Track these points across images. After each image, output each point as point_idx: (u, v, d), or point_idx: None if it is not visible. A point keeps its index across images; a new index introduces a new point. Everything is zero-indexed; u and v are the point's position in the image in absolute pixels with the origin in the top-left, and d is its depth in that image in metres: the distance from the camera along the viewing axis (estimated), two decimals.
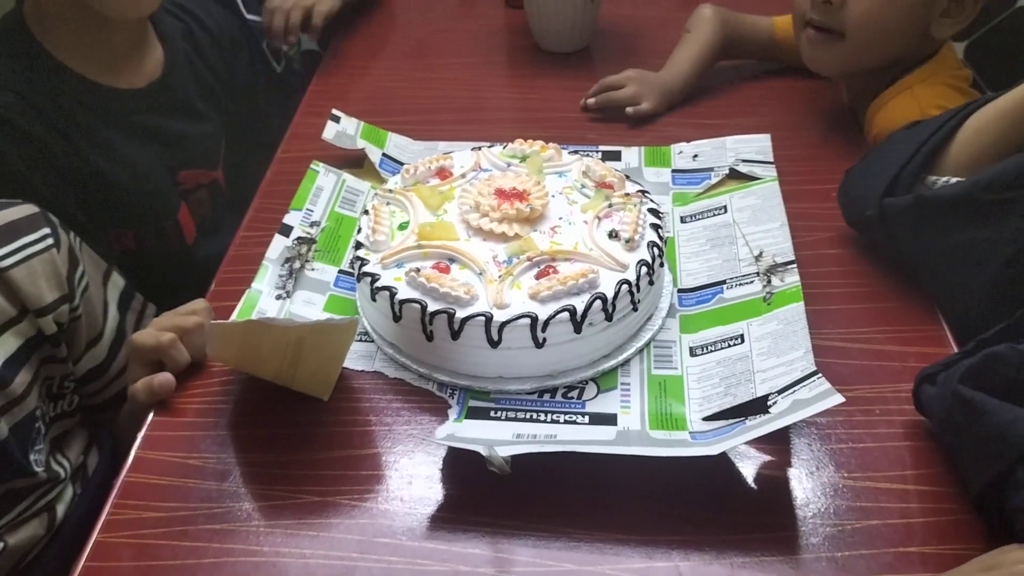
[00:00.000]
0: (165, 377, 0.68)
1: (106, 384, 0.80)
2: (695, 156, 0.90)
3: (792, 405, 0.59)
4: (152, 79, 0.93)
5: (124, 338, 0.80)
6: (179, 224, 0.96)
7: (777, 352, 0.66)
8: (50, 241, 0.72)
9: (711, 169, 0.88)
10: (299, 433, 0.66)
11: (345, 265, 0.79)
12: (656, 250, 0.70)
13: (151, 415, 0.67)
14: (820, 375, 0.61)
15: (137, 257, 0.90)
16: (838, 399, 0.57)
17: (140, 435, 0.66)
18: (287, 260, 0.78)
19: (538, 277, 0.67)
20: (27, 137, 0.83)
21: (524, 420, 0.65)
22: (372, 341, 0.72)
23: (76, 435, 0.79)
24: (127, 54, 0.91)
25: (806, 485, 0.61)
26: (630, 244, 0.70)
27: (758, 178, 0.85)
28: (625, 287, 0.67)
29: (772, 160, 0.87)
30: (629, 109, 0.98)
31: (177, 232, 0.96)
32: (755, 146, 0.89)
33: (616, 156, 0.92)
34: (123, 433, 0.81)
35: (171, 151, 0.94)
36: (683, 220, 0.83)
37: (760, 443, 0.63)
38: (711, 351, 0.69)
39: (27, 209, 0.73)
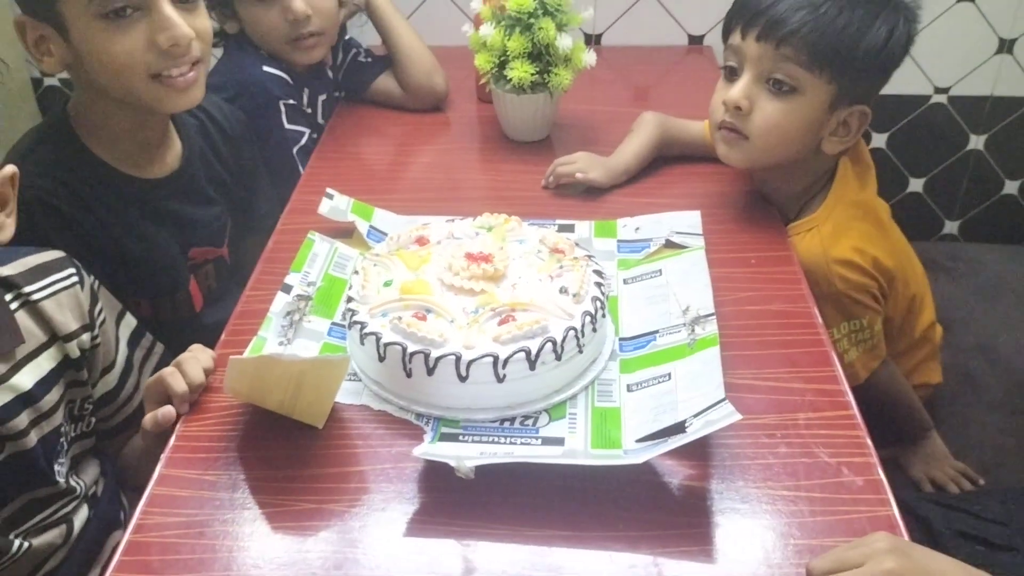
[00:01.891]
0: (167, 410, 0.81)
1: (116, 410, 0.93)
2: (637, 228, 1.06)
3: (704, 425, 0.73)
4: (172, 170, 1.07)
5: (132, 369, 0.94)
6: (189, 294, 1.10)
7: (696, 386, 0.80)
8: (75, 279, 0.86)
9: (650, 240, 1.04)
10: (297, 454, 0.78)
11: (337, 318, 0.92)
12: (598, 303, 0.85)
13: (172, 440, 0.80)
14: (726, 401, 0.74)
15: (153, 323, 1.03)
16: (737, 417, 0.71)
17: (164, 456, 0.78)
18: (288, 313, 0.91)
19: (500, 324, 0.81)
20: (65, 218, 0.96)
21: (487, 443, 0.78)
22: (360, 380, 0.85)
23: (91, 459, 0.91)
24: (152, 149, 1.05)
25: (719, 492, 0.74)
26: (576, 298, 0.84)
27: (688, 247, 1.00)
28: (572, 332, 0.81)
29: (701, 232, 1.03)
30: (580, 175, 1.14)
31: (187, 302, 1.09)
32: (687, 220, 1.05)
33: (571, 228, 1.07)
34: (130, 464, 0.94)
35: (184, 232, 1.08)
36: (625, 282, 0.98)
37: (684, 460, 0.76)
38: (644, 387, 0.83)
39: (56, 254, 0.87)
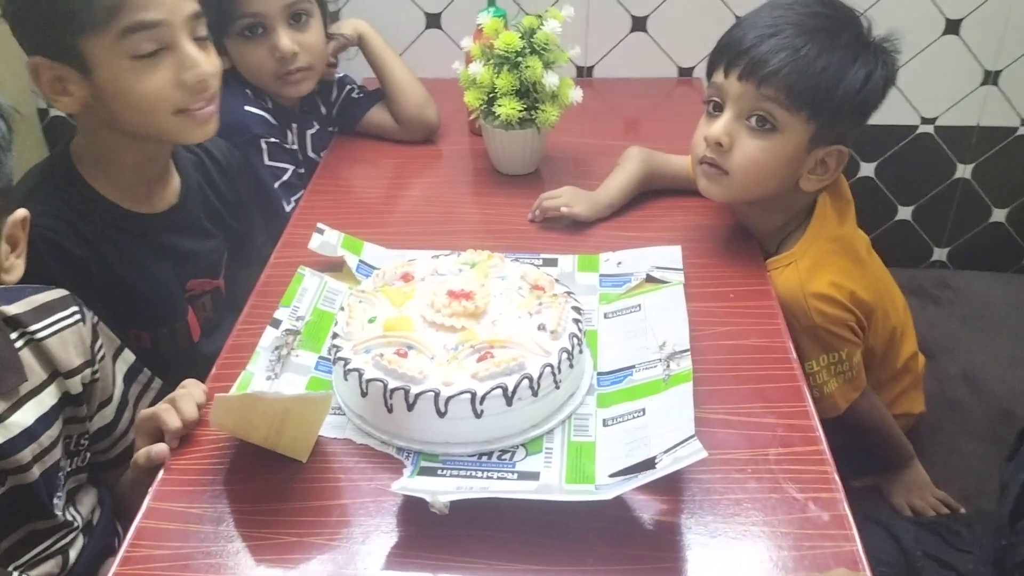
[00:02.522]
0: (160, 447, 0.84)
1: (113, 443, 0.95)
2: (619, 263, 1.09)
3: (672, 462, 0.75)
4: (170, 204, 1.10)
5: (128, 404, 0.96)
6: (187, 325, 1.13)
7: (668, 421, 0.82)
8: (77, 317, 0.89)
9: (631, 274, 1.06)
10: (281, 488, 0.81)
11: (324, 352, 0.95)
12: (575, 340, 0.87)
13: (161, 473, 0.82)
14: (695, 437, 0.77)
15: (153, 354, 1.06)
16: (703, 455, 0.73)
17: (152, 489, 0.81)
18: (276, 348, 0.94)
19: (478, 361, 0.84)
20: (70, 256, 0.99)
21: (465, 477, 0.81)
22: (344, 414, 0.88)
23: (87, 492, 0.93)
24: (153, 184, 1.09)
25: (688, 527, 0.76)
26: (554, 335, 0.87)
27: (668, 282, 1.03)
28: (548, 369, 0.83)
29: (681, 267, 1.06)
30: (564, 209, 1.17)
31: (185, 332, 1.13)
32: (668, 255, 1.08)
33: (554, 262, 1.10)
34: (124, 494, 0.97)
35: (182, 264, 1.11)
36: (606, 316, 1.01)
37: (656, 495, 0.78)
38: (619, 422, 0.86)
39: (60, 292, 0.90)
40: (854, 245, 1.14)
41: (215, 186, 1.19)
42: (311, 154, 1.43)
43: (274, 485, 0.81)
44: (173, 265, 1.10)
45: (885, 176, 1.80)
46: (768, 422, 0.87)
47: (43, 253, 0.96)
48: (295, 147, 1.39)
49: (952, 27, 1.64)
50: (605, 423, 0.86)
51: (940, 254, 1.89)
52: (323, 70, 1.39)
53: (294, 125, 1.39)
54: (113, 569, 0.73)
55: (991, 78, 1.69)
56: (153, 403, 0.95)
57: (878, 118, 1.69)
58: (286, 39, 1.28)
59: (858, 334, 1.11)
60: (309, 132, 1.43)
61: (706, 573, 0.72)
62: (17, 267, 0.82)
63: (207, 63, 0.99)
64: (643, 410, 0.85)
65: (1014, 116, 1.72)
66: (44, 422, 0.84)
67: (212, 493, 0.80)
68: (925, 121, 1.74)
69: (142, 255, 1.07)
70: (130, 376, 0.98)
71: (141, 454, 0.84)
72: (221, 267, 1.18)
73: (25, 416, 0.82)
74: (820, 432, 0.85)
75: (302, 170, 1.38)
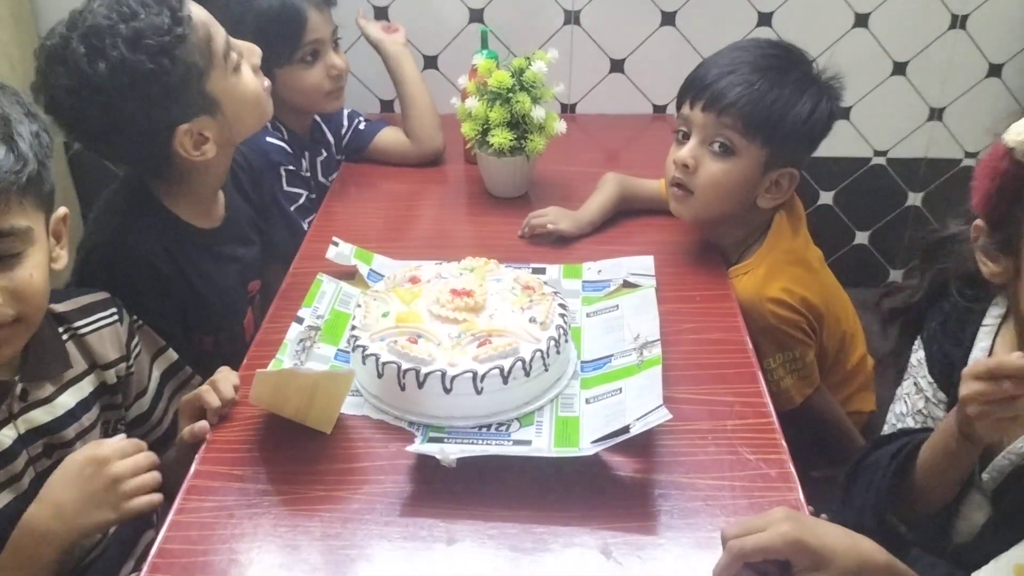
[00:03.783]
0: (202, 424, 0.96)
1: (149, 430, 1.08)
2: (599, 271, 1.24)
3: (643, 425, 0.89)
4: (222, 218, 1.25)
5: (162, 397, 1.09)
6: (243, 327, 1.27)
7: (641, 397, 0.96)
8: (116, 317, 1.03)
9: (610, 280, 1.21)
10: (309, 454, 0.94)
11: (342, 345, 1.09)
12: (561, 330, 1.02)
13: (203, 446, 0.95)
14: (663, 406, 0.91)
15: (214, 356, 1.19)
16: (668, 416, 0.88)
17: (198, 456, 0.94)
18: (301, 340, 1.08)
19: (479, 347, 0.98)
20: (160, 275, 1.12)
21: (467, 444, 0.94)
22: (362, 395, 1.01)
23: None
24: (209, 202, 1.23)
25: (659, 482, 0.90)
26: (543, 326, 1.01)
27: (642, 286, 1.18)
28: (539, 353, 0.98)
29: (653, 273, 1.21)
30: (551, 226, 1.33)
31: (242, 334, 1.26)
32: (642, 263, 1.23)
33: (543, 271, 1.25)
34: (167, 472, 1.09)
35: (241, 270, 1.26)
36: (588, 315, 1.15)
37: (632, 457, 0.92)
38: (600, 400, 0.99)
39: (102, 295, 1.04)
40: (806, 256, 1.30)
41: (246, 194, 1.34)
42: (321, 179, 1.58)
43: (303, 451, 0.94)
44: (236, 272, 1.25)
45: (843, 204, 1.97)
46: (726, 399, 1.01)
47: (134, 270, 1.10)
48: (308, 174, 1.54)
49: (899, 69, 1.83)
50: (588, 401, 1.00)
51: (896, 275, 2.05)
52: None
53: (307, 153, 1.55)
54: (170, 516, 0.86)
55: (936, 114, 1.87)
56: None
57: (835, 151, 1.89)
58: (339, 59, 1.48)
59: (810, 335, 1.26)
60: (319, 159, 1.58)
61: (673, 518, 0.86)
62: (62, 257, 0.94)
63: (252, 44, 1.19)
64: (620, 389, 0.99)
65: (958, 149, 1.90)
66: (84, 406, 0.97)
67: (250, 459, 0.93)
68: (877, 154, 1.91)
69: (211, 266, 1.21)
70: (169, 373, 1.11)
71: (186, 431, 0.97)
72: (261, 269, 1.33)
73: (68, 399, 0.96)
74: (771, 407, 1.00)
75: (314, 195, 1.53)
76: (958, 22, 1.78)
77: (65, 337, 0.98)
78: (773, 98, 1.17)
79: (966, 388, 0.80)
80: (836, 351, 1.36)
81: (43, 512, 0.86)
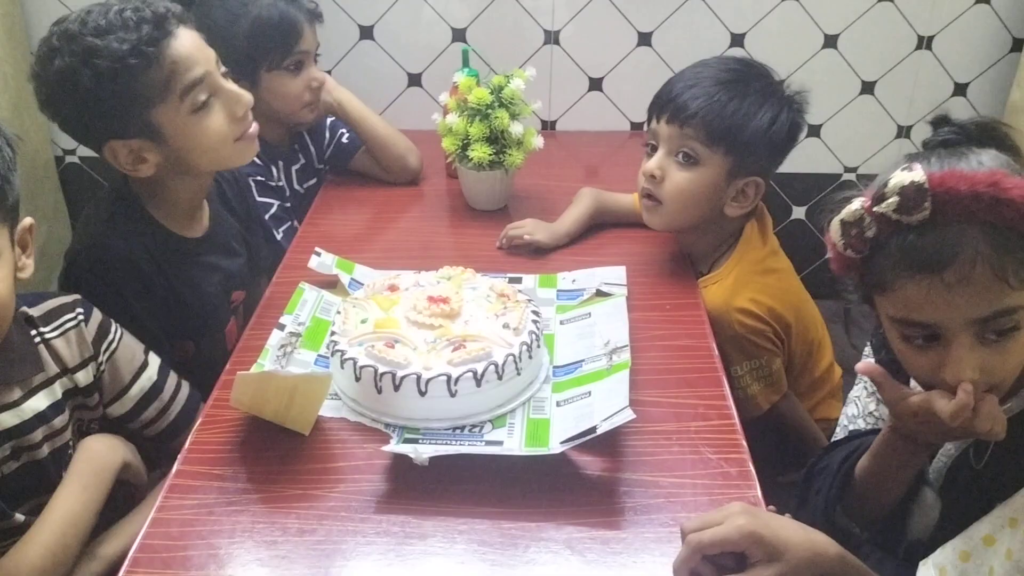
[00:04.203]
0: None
1: (138, 429, 1.09)
2: (573, 280, 1.28)
3: (609, 424, 0.93)
4: (205, 230, 1.28)
5: (149, 401, 1.10)
6: (225, 335, 1.30)
7: (608, 399, 1.00)
8: (81, 318, 1.03)
9: (584, 289, 1.25)
10: (288, 454, 0.97)
11: (322, 351, 1.12)
12: (533, 336, 1.06)
13: (188, 444, 0.98)
14: (628, 407, 0.94)
15: (196, 361, 1.22)
16: (631, 416, 0.91)
17: (180, 456, 0.97)
18: (282, 346, 1.11)
19: (453, 351, 1.02)
20: (141, 273, 1.16)
21: (441, 444, 0.98)
22: (340, 398, 1.05)
23: None
24: (194, 213, 1.27)
25: (625, 480, 0.94)
26: (516, 331, 1.05)
27: (613, 294, 1.22)
28: (511, 358, 1.01)
29: (625, 283, 1.25)
30: (527, 237, 1.37)
31: (223, 342, 1.29)
32: (615, 274, 1.27)
33: (519, 280, 1.29)
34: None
35: (224, 279, 1.29)
36: (562, 323, 1.19)
37: (601, 456, 0.96)
38: (570, 403, 1.03)
39: (71, 297, 1.05)
40: (775, 266, 1.34)
41: (231, 207, 1.37)
42: (296, 186, 1.63)
43: (282, 452, 0.97)
44: (219, 280, 1.28)
45: (815, 219, 2.01)
46: (691, 403, 1.05)
47: (119, 271, 1.14)
48: (281, 183, 1.58)
49: (868, 88, 1.89)
50: (558, 404, 1.04)
51: None
52: None
53: (280, 163, 1.59)
54: (151, 514, 0.89)
55: (904, 132, 1.93)
56: (186, 403, 1.12)
57: (806, 167, 1.94)
58: (318, 72, 1.54)
59: (777, 344, 1.31)
60: (294, 167, 1.63)
61: (636, 514, 0.90)
62: (28, 266, 0.96)
63: (244, 93, 1.19)
64: (589, 392, 1.03)
65: None
66: (55, 408, 0.99)
67: (230, 459, 0.97)
68: (848, 170, 1.97)
69: (194, 273, 1.24)
70: (162, 372, 1.12)
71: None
72: (246, 279, 1.36)
73: (38, 403, 0.97)
74: (734, 410, 1.04)
75: (288, 204, 1.57)
76: (924, 43, 1.84)
77: (37, 341, 0.99)
78: (733, 108, 1.22)
79: (899, 420, 0.86)
80: (804, 359, 1.40)
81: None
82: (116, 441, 1.04)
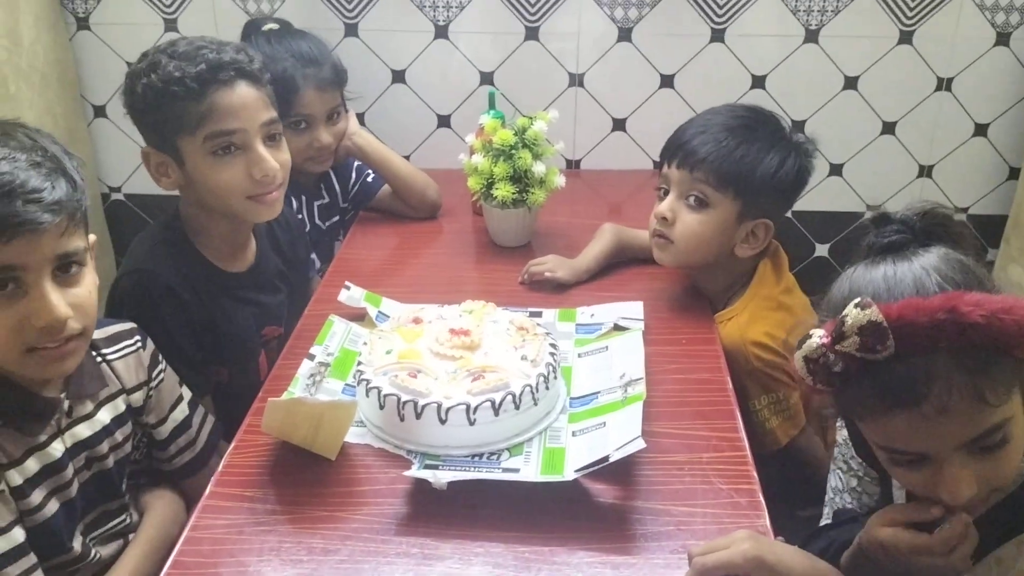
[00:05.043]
0: None
1: (165, 459, 1.16)
2: (592, 315, 1.32)
3: (621, 453, 0.96)
4: (249, 266, 1.36)
5: (187, 429, 1.16)
6: (258, 365, 1.36)
7: (622, 429, 1.03)
8: (139, 344, 1.12)
9: (602, 323, 1.29)
10: (315, 478, 1.02)
11: (349, 380, 1.17)
12: (551, 367, 1.10)
13: (220, 467, 1.04)
14: (639, 437, 0.98)
15: (228, 387, 1.29)
16: (642, 445, 0.95)
17: (214, 478, 1.02)
18: (312, 375, 1.17)
19: (472, 381, 1.06)
20: (180, 299, 1.24)
21: (459, 471, 1.02)
22: (365, 425, 1.10)
23: (143, 493, 1.14)
24: (236, 249, 1.35)
25: (638, 508, 0.97)
26: (534, 363, 1.10)
27: (630, 328, 1.26)
28: (528, 388, 1.06)
29: (642, 318, 1.29)
30: (548, 273, 1.42)
31: (256, 371, 1.36)
32: (632, 308, 1.31)
33: (539, 314, 1.33)
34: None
35: (259, 314, 1.36)
36: (580, 356, 1.23)
37: (614, 485, 0.99)
38: (585, 433, 1.07)
39: (128, 325, 1.13)
40: (789, 303, 1.37)
41: (280, 249, 1.45)
42: (318, 222, 1.70)
43: (309, 476, 1.02)
44: (253, 314, 1.35)
45: (838, 256, 2.04)
46: (704, 434, 1.08)
47: (158, 295, 1.22)
48: (301, 216, 1.65)
49: (888, 128, 1.92)
50: (574, 434, 1.08)
51: None
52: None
53: (303, 197, 1.67)
54: (185, 532, 0.94)
55: (925, 172, 1.95)
56: (210, 434, 1.18)
57: (829, 205, 1.97)
58: (327, 135, 1.59)
59: (793, 378, 1.33)
60: (317, 203, 1.70)
61: (647, 541, 0.93)
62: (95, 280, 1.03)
63: (273, 160, 1.25)
64: (604, 423, 1.07)
65: (948, 204, 1.98)
66: (118, 421, 1.07)
67: (260, 482, 1.02)
68: (870, 208, 1.99)
69: (230, 305, 1.31)
70: (193, 404, 1.19)
71: None
72: (284, 317, 1.43)
73: (104, 416, 1.05)
74: (746, 442, 1.06)
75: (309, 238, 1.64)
76: (944, 84, 1.87)
77: (99, 361, 1.08)
78: (741, 154, 1.27)
79: (867, 545, 0.84)
80: None
81: None
82: (181, 508, 1.13)
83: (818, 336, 0.78)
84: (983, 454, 0.77)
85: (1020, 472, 0.82)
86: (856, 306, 0.74)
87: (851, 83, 1.88)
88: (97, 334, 1.08)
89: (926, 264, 0.79)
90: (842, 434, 1.06)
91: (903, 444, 0.78)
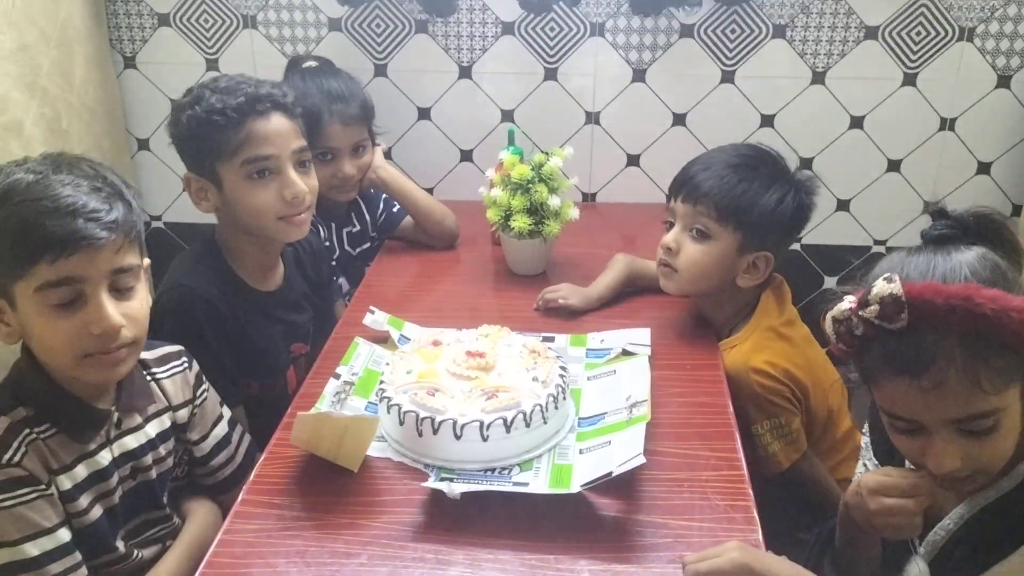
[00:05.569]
0: None
1: (206, 474, 1.24)
2: (602, 340, 1.39)
3: (623, 468, 1.03)
4: (277, 286, 1.46)
5: (226, 446, 1.25)
6: (287, 380, 1.46)
7: (626, 448, 1.10)
8: (185, 365, 1.21)
9: (611, 348, 1.37)
10: (339, 488, 1.09)
11: (372, 399, 1.25)
12: (560, 388, 1.17)
13: (252, 476, 1.12)
14: (640, 454, 1.04)
15: (258, 400, 1.39)
16: (642, 460, 1.01)
17: (246, 486, 1.10)
18: (337, 393, 1.25)
19: (486, 400, 1.14)
20: (218, 314, 1.34)
21: (473, 483, 1.09)
22: (386, 440, 1.17)
23: (182, 503, 1.22)
24: (267, 270, 1.45)
25: (639, 521, 1.03)
26: (544, 384, 1.17)
27: (638, 354, 1.33)
28: (538, 407, 1.13)
29: (649, 343, 1.36)
30: (562, 301, 1.49)
31: (284, 386, 1.45)
32: (640, 335, 1.38)
33: (552, 339, 1.41)
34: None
35: (287, 332, 1.46)
36: (589, 379, 1.31)
37: (617, 500, 1.06)
38: (592, 451, 1.14)
39: (175, 348, 1.22)
40: (790, 333, 1.43)
41: (305, 271, 1.55)
42: (347, 248, 1.79)
43: (333, 486, 1.10)
44: (282, 331, 1.45)
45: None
46: (704, 455, 1.14)
47: (198, 309, 1.32)
48: (328, 243, 1.74)
49: (894, 166, 1.99)
50: (581, 451, 1.14)
51: None
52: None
53: (332, 224, 1.76)
54: (219, 536, 1.02)
55: (929, 207, 2.00)
56: (247, 452, 1.26)
57: (836, 239, 2.03)
58: (350, 167, 1.69)
59: (794, 404, 1.39)
60: (346, 230, 1.80)
61: (646, 552, 0.99)
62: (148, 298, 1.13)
63: (303, 184, 1.36)
64: (609, 441, 1.14)
65: None
66: (162, 436, 1.15)
67: (288, 491, 1.10)
68: (877, 242, 2.05)
69: (261, 321, 1.41)
70: (232, 423, 1.27)
71: None
72: (310, 336, 1.52)
73: (151, 430, 1.14)
74: (743, 463, 1.13)
75: (334, 262, 1.73)
76: (947, 124, 1.94)
77: (148, 379, 1.17)
78: (742, 189, 1.35)
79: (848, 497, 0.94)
80: (824, 423, 1.47)
81: None
82: (219, 516, 1.20)
83: (848, 301, 0.87)
84: (972, 436, 0.85)
85: (1018, 470, 0.89)
86: (885, 279, 0.82)
87: (857, 122, 1.95)
88: (148, 354, 1.18)
89: (962, 260, 0.86)
90: (864, 439, 1.12)
91: (901, 411, 0.87)
